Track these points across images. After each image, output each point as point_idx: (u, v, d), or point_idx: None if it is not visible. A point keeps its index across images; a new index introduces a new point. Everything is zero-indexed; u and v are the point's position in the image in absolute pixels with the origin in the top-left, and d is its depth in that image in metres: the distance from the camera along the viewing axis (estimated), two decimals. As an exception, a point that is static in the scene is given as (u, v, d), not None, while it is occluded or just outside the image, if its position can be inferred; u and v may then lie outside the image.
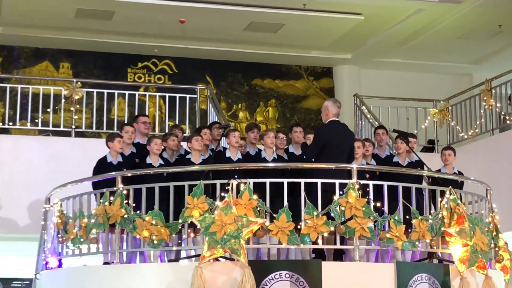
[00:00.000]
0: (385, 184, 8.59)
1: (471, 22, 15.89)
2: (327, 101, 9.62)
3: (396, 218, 8.36)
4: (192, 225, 8.44)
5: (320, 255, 8.73)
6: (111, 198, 8.65)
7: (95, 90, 14.32)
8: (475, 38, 16.85)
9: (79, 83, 13.76)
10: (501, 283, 9.24)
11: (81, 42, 16.82)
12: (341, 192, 8.31)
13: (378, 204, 8.45)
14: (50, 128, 13.72)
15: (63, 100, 13.67)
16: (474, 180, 9.71)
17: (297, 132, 10.34)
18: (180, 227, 8.41)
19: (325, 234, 8.25)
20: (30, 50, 17.14)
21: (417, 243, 8.45)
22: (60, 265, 9.57)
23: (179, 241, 8.71)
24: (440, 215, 8.60)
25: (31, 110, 13.68)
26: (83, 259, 9.32)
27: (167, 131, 12.46)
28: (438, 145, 14.96)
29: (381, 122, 14.14)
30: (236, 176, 8.30)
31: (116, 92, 14.40)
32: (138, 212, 8.53)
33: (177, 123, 14.09)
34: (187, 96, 14.45)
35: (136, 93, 14.80)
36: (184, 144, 10.35)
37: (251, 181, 8.25)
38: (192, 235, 8.66)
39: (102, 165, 9.72)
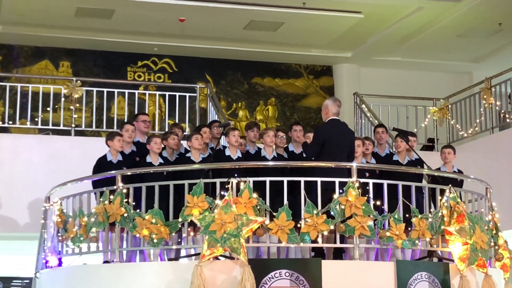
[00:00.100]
0: (385, 182, 8.59)
1: (471, 21, 15.89)
2: (327, 99, 9.63)
3: (396, 216, 8.36)
4: (192, 224, 8.44)
5: (320, 253, 8.73)
6: (111, 196, 8.65)
7: (94, 89, 14.32)
8: (475, 36, 16.85)
9: (78, 81, 13.76)
10: (501, 281, 9.24)
11: (81, 40, 16.82)
12: (341, 191, 8.31)
13: (378, 203, 8.45)
14: (50, 127, 13.71)
15: (62, 99, 13.66)
16: (474, 179, 9.70)
17: (296, 131, 10.34)
18: (180, 226, 8.41)
19: (325, 233, 8.25)
20: (30, 49, 17.15)
21: (417, 241, 8.45)
22: (60, 264, 9.57)
23: (179, 240, 8.71)
24: (440, 214, 8.60)
25: (30, 109, 13.68)
26: (83, 258, 9.31)
27: (167, 129, 12.46)
28: (438, 143, 14.97)
29: (381, 121, 14.14)
30: (236, 175, 8.30)
31: (116, 90, 14.38)
32: (138, 210, 8.53)
33: (177, 121, 14.08)
34: (187, 94, 14.44)
35: (136, 91, 14.79)
36: (184, 143, 10.35)
37: (251, 179, 8.25)
38: (192, 233, 8.66)
39: (102, 164, 9.72)
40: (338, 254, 8.88)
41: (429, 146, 15.29)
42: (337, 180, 8.38)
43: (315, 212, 8.18)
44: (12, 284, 20.07)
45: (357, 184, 8.29)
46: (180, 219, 8.29)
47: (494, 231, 9.24)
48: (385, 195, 8.52)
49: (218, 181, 8.36)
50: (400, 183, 8.65)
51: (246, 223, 7.93)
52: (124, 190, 8.62)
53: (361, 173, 8.73)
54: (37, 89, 14.01)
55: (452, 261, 8.53)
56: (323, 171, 8.73)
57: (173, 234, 8.49)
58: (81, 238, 9.03)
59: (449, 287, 8.36)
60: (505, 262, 9.33)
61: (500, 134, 13.91)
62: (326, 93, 18.30)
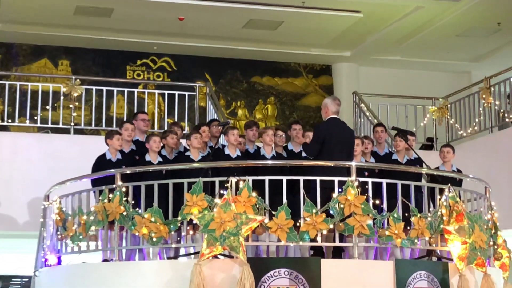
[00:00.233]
0: (384, 181, 8.59)
1: (470, 20, 15.90)
2: (326, 98, 9.63)
3: (395, 215, 8.37)
4: (191, 223, 8.44)
5: (319, 252, 8.74)
6: (110, 195, 8.65)
7: (94, 87, 14.32)
8: (474, 36, 16.86)
9: (78, 80, 13.76)
10: (500, 280, 9.25)
11: (80, 39, 16.82)
12: (340, 190, 8.31)
13: (377, 202, 8.45)
14: (49, 125, 13.70)
15: (62, 97, 13.66)
16: (473, 178, 9.71)
17: (296, 130, 10.34)
18: (179, 225, 8.42)
19: (324, 232, 8.25)
20: (29, 47, 17.14)
21: (416, 240, 8.46)
22: (59, 262, 9.56)
23: (178, 239, 8.71)
24: (439, 213, 8.60)
25: (30, 107, 13.67)
26: (82, 256, 9.31)
27: (166, 128, 12.45)
28: (437, 143, 14.98)
29: (380, 120, 14.15)
30: (235, 174, 8.30)
31: (115, 89, 14.38)
32: (137, 209, 8.53)
33: (176, 120, 14.08)
34: (186, 93, 14.45)
35: (135, 90, 14.80)
36: (183, 142, 10.35)
37: (250, 178, 8.25)
38: (191, 232, 8.67)
39: (101, 162, 9.72)
40: (337, 253, 8.89)
41: (428, 145, 15.30)
42: (336, 179, 8.39)
43: (314, 211, 8.18)
44: (11, 282, 20.07)
45: (356, 183, 8.30)
46: (179, 218, 8.29)
47: (493, 230, 9.24)
48: (384, 194, 8.52)
49: (217, 180, 8.36)
50: (399, 182, 8.65)
51: (245, 222, 7.93)
52: (123, 189, 8.63)
53: (360, 172, 8.74)
54: (36, 88, 14.01)
55: (451, 260, 8.54)
56: (322, 170, 8.73)
57: (172, 232, 8.49)
58: (80, 237, 9.03)
59: (448, 286, 8.37)
60: (504, 261, 9.34)
61: (499, 133, 13.93)
62: (325, 92, 18.30)
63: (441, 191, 8.76)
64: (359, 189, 8.29)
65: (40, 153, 12.76)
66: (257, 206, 8.12)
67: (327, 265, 8.05)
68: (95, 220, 8.78)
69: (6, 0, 15.02)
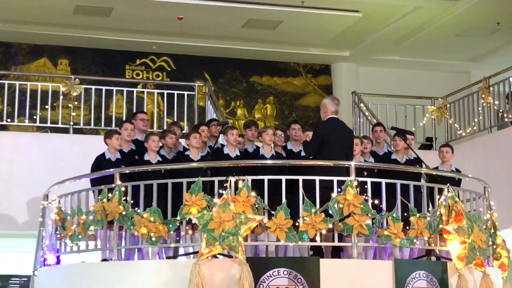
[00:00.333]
0: (383, 181, 8.59)
1: (469, 20, 15.90)
2: (325, 98, 9.63)
3: (394, 215, 8.37)
4: (190, 222, 8.44)
5: (318, 252, 8.74)
6: (109, 195, 8.65)
7: (93, 87, 14.32)
8: (473, 35, 16.86)
9: (77, 79, 13.76)
10: (499, 280, 9.25)
11: (79, 38, 16.82)
12: (339, 189, 8.31)
13: (376, 202, 8.46)
14: (48, 124, 13.71)
15: (61, 97, 13.66)
16: (472, 178, 9.71)
17: (295, 129, 10.34)
18: (178, 224, 8.42)
19: (323, 231, 8.25)
20: (28, 47, 17.14)
21: (415, 240, 8.46)
22: (58, 262, 9.56)
23: (177, 238, 8.72)
24: (438, 213, 8.60)
25: (29, 106, 13.67)
26: (81, 256, 9.32)
27: (165, 128, 12.45)
28: (436, 142, 14.98)
29: (379, 120, 14.15)
30: (234, 173, 8.30)
31: (114, 89, 14.38)
32: (136, 209, 8.53)
33: (175, 120, 14.06)
34: (185, 93, 14.45)
35: (134, 90, 14.80)
36: (182, 141, 10.34)
37: (249, 178, 8.25)
38: (190, 232, 8.67)
39: (100, 162, 9.72)
40: (336, 252, 8.89)
41: (428, 145, 15.30)
42: (335, 178, 8.39)
43: (313, 210, 8.18)
44: (10, 282, 20.05)
45: (355, 183, 8.30)
46: (178, 218, 8.30)
47: (492, 230, 9.25)
48: (383, 194, 8.53)
49: (216, 179, 8.36)
50: (399, 182, 8.66)
51: (244, 222, 7.93)
52: (123, 188, 8.63)
53: (359, 171, 8.74)
54: (35, 87, 14.00)
55: (450, 260, 8.54)
56: (321, 169, 8.73)
57: (172, 232, 8.50)
58: (79, 236, 9.03)
59: (447, 286, 8.37)
60: (503, 261, 9.35)
61: (498, 133, 13.93)
62: (324, 92, 18.30)
63: (440, 191, 8.76)
64: (358, 189, 8.29)
65: (39, 153, 12.76)
66: (256, 205, 8.12)
67: (326, 264, 8.05)
68: (94, 219, 8.78)
69: (6, 0, 15.03)
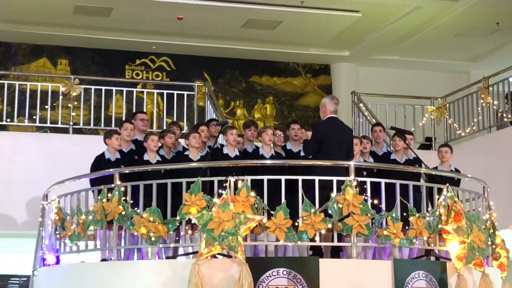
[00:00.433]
0: (383, 181, 8.59)
1: (468, 20, 15.90)
2: (324, 98, 9.62)
3: (394, 215, 8.38)
4: (189, 222, 8.44)
5: (317, 252, 8.74)
6: (109, 195, 8.65)
7: (93, 87, 14.33)
8: (472, 35, 16.86)
9: (77, 79, 13.76)
10: (498, 280, 9.26)
11: (79, 38, 16.82)
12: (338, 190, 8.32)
13: (376, 201, 8.46)
14: (48, 124, 13.71)
15: (61, 97, 13.66)
16: (472, 178, 9.72)
17: (294, 129, 10.34)
18: (177, 224, 8.42)
19: (323, 231, 8.26)
20: (28, 47, 17.14)
21: (414, 240, 8.46)
22: (57, 262, 9.56)
23: (177, 238, 8.72)
24: (437, 213, 8.60)
25: (28, 106, 13.67)
26: (81, 255, 9.32)
27: (165, 128, 12.45)
28: (436, 142, 14.98)
29: (378, 120, 14.16)
30: (233, 173, 8.31)
31: (114, 89, 14.38)
32: (136, 209, 8.54)
33: (175, 120, 14.06)
34: (185, 93, 14.45)
35: (134, 90, 14.80)
36: (182, 141, 10.35)
37: (249, 178, 8.26)
38: (189, 232, 8.68)
39: (100, 162, 9.72)
40: (336, 252, 8.89)
41: (427, 145, 15.30)
42: (334, 178, 8.39)
43: (312, 210, 8.19)
44: (9, 282, 20.04)
45: (354, 183, 8.30)
46: (178, 218, 8.30)
47: (492, 230, 9.25)
48: (383, 194, 8.53)
49: (216, 179, 8.36)
50: (398, 182, 8.66)
51: (244, 222, 7.93)
52: (122, 188, 8.63)
53: (358, 171, 8.74)
54: (35, 87, 14.01)
55: (450, 260, 8.55)
56: (321, 169, 8.74)
57: (171, 232, 8.50)
58: (79, 236, 9.03)
59: (447, 286, 8.37)
60: (502, 261, 9.35)
61: (498, 133, 13.93)
62: (324, 92, 18.30)
63: (440, 191, 8.76)
64: (357, 189, 8.29)
65: (39, 153, 12.76)
66: (256, 205, 8.13)
67: (326, 264, 8.06)
68: (94, 219, 8.78)
69: (5, 0, 15.02)
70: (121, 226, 8.67)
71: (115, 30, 16.56)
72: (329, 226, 8.22)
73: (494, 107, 13.90)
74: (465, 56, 18.19)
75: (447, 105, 15.12)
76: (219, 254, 8.03)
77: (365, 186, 8.45)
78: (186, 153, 9.75)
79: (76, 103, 13.67)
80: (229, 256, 8.01)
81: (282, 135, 10.26)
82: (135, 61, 17.73)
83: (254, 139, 10.26)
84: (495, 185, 10.96)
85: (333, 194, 8.28)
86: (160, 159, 9.70)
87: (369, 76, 18.25)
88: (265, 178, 8.36)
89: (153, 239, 8.35)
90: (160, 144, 9.83)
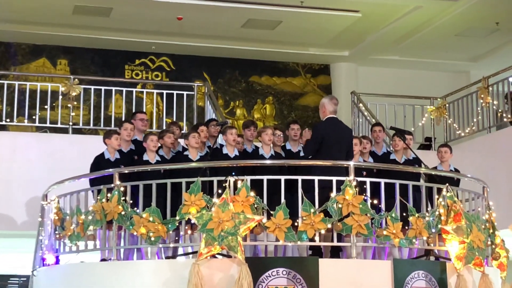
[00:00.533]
0: (382, 181, 8.59)
1: (468, 20, 15.90)
2: (323, 98, 9.62)
3: (393, 215, 8.38)
4: (189, 222, 8.44)
5: (317, 252, 8.74)
6: (109, 195, 8.65)
7: (92, 87, 14.33)
8: (472, 35, 16.87)
9: (76, 79, 13.75)
10: (498, 280, 9.26)
11: (78, 38, 16.82)
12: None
13: (375, 201, 8.46)
14: (48, 124, 13.70)
15: (60, 97, 13.66)
16: (471, 178, 9.72)
17: (294, 130, 10.34)
18: (177, 224, 8.42)
19: (322, 231, 8.25)
20: (28, 47, 17.14)
21: (414, 240, 8.46)
22: (57, 262, 9.56)
23: (176, 238, 8.71)
24: (437, 213, 8.60)
25: (28, 106, 13.69)
26: (80, 255, 9.31)
27: (164, 128, 12.44)
28: (435, 142, 14.98)
29: (378, 120, 14.15)
30: (233, 173, 8.31)
31: (114, 89, 14.38)
32: (136, 209, 8.54)
33: (174, 120, 14.06)
34: (185, 93, 14.45)
35: (134, 90, 14.79)
36: (182, 141, 10.35)
37: (248, 178, 8.26)
38: (189, 232, 8.67)
39: (99, 162, 9.72)
40: (335, 252, 8.89)
41: (427, 145, 15.30)
42: (334, 178, 8.39)
43: (312, 210, 8.19)
44: (9, 282, 20.04)
45: (354, 183, 8.30)
46: (177, 217, 8.30)
47: (491, 230, 9.25)
48: (382, 194, 8.53)
49: (215, 179, 8.36)
50: (397, 182, 8.66)
51: (243, 222, 7.93)
52: (122, 188, 8.63)
53: (358, 171, 8.73)
54: (34, 87, 14.00)
55: (449, 260, 8.55)
56: (320, 169, 8.73)
57: (171, 232, 8.50)
58: (79, 236, 9.03)
59: (446, 286, 8.38)
60: (502, 261, 9.35)
61: (497, 133, 13.93)
62: (323, 92, 18.30)
63: (439, 191, 8.76)
64: (357, 189, 8.29)
65: (39, 153, 12.76)
66: (255, 205, 8.12)
67: (325, 264, 8.05)
68: (93, 219, 8.78)
69: (5, 0, 15.01)
70: (121, 226, 8.67)
71: (114, 30, 16.56)
72: (329, 226, 8.22)
73: (494, 107, 13.90)
74: (464, 56, 18.19)
75: (447, 105, 15.12)
76: (218, 254, 8.03)
77: (364, 186, 8.45)
78: (185, 153, 9.75)
79: (75, 103, 13.67)
80: (228, 256, 8.01)
81: (281, 135, 10.26)
82: (134, 61, 17.73)
83: (254, 139, 10.26)
84: (494, 185, 10.95)
85: (333, 194, 8.28)
86: (159, 159, 9.70)
87: (369, 76, 18.25)
88: (265, 178, 8.36)
89: (152, 239, 8.35)
90: (159, 144, 9.82)
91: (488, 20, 15.91)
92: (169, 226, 8.38)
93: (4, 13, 15.60)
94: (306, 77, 18.72)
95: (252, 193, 8.12)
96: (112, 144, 9.78)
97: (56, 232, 9.48)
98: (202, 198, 8.19)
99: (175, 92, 14.44)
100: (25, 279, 17.99)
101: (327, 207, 8.26)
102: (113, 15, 15.81)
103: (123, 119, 13.14)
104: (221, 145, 10.07)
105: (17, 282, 19.73)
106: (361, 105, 15.30)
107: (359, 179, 8.46)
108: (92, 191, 9.13)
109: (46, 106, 13.64)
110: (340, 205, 8.23)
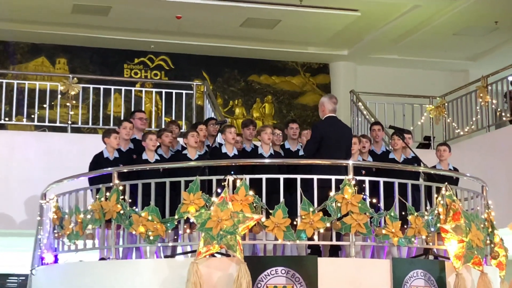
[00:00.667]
0: (381, 180, 8.59)
1: (467, 19, 15.90)
2: (323, 97, 9.62)
3: (392, 214, 8.37)
4: (188, 221, 8.44)
5: (316, 251, 8.74)
6: (107, 193, 8.64)
7: (91, 86, 14.33)
8: (471, 34, 16.87)
9: (75, 78, 13.74)
10: (497, 279, 9.26)
11: (77, 37, 16.81)
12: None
13: (374, 200, 8.46)
14: (46, 123, 13.70)
15: (59, 96, 13.65)
16: (470, 177, 9.71)
17: (293, 129, 10.35)
18: (176, 223, 8.42)
19: (321, 230, 8.25)
20: (26, 46, 17.12)
21: (413, 239, 8.46)
22: (56, 261, 9.56)
23: (175, 237, 8.71)
24: (436, 212, 8.60)
25: (27, 105, 13.67)
26: (79, 254, 9.31)
27: (163, 127, 12.44)
28: (434, 141, 14.98)
29: (377, 119, 14.14)
30: (232, 172, 8.30)
31: (113, 87, 14.38)
32: (134, 208, 8.53)
33: (173, 119, 14.06)
34: (184, 92, 14.44)
35: (133, 89, 14.79)
36: (180, 140, 10.34)
37: (247, 177, 8.25)
38: (188, 231, 8.68)
39: (98, 161, 9.71)
40: (334, 251, 8.88)
41: (426, 144, 15.31)
42: (333, 177, 8.39)
43: (311, 209, 8.18)
44: (7, 281, 20.04)
45: (353, 182, 8.30)
46: (176, 216, 8.29)
47: (490, 229, 9.25)
48: (381, 193, 8.53)
49: (214, 178, 8.36)
50: (397, 181, 8.66)
51: (242, 221, 7.93)
52: (121, 187, 8.62)
53: (357, 170, 8.73)
54: (33, 86, 13.98)
55: (448, 259, 8.54)
56: (319, 168, 8.73)
57: (169, 231, 8.49)
58: (77, 235, 9.03)
59: (445, 285, 8.38)
60: (500, 260, 9.35)
61: (496, 132, 13.94)
62: (322, 91, 18.30)
63: (438, 190, 8.76)
64: (356, 188, 8.29)
65: (37, 152, 12.76)
66: (254, 204, 8.12)
67: (324, 263, 8.05)
68: (92, 218, 8.78)
69: (3, -1, 15.05)
70: (120, 225, 8.66)
71: (113, 29, 16.55)
72: (328, 225, 8.22)
73: (493, 106, 13.90)
74: (463, 55, 18.19)
75: (446, 104, 15.11)
76: (217, 253, 8.03)
77: (363, 185, 8.44)
78: (184, 152, 9.75)
79: (74, 102, 13.66)
80: (227, 255, 8.01)
81: (281, 134, 10.26)
82: (133, 60, 17.72)
83: (253, 138, 10.25)
84: (493, 184, 10.96)
85: (332, 193, 8.28)
86: (158, 158, 9.70)
87: (368, 75, 18.25)
88: (264, 177, 8.36)
89: (151, 238, 8.35)
90: (158, 143, 9.82)
91: (487, 19, 15.91)
92: (168, 225, 8.38)
93: (3, 12, 15.59)
94: (305, 76, 18.72)
95: (251, 192, 8.11)
96: (111, 143, 9.78)
97: (55, 231, 9.48)
98: (201, 197, 8.18)
99: (174, 91, 14.43)
100: (23, 278, 17.98)
101: (326, 206, 8.25)
102: (112, 14, 15.81)
103: (122, 118, 13.13)
104: (220, 144, 10.07)
105: (16, 281, 19.73)
106: (360, 104, 15.30)
107: (358, 178, 8.46)
108: (91, 190, 9.12)
109: (45, 105, 13.64)
110: (339, 204, 8.23)
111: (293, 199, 8.37)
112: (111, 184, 8.68)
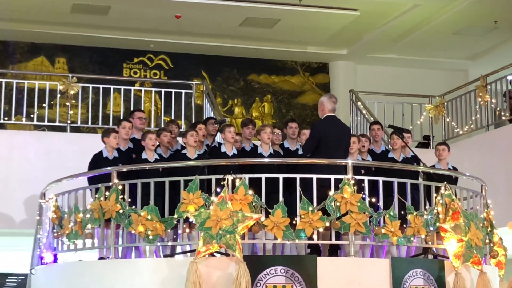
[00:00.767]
0: (380, 179, 8.59)
1: (466, 18, 15.90)
2: (322, 96, 9.63)
3: (391, 213, 8.38)
4: (187, 220, 8.44)
5: (315, 250, 8.75)
6: (107, 193, 8.64)
7: (90, 85, 14.32)
8: (470, 34, 16.86)
9: (74, 78, 13.74)
10: (496, 278, 9.26)
11: (76, 37, 16.80)
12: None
13: (373, 200, 8.46)
14: (46, 123, 13.70)
15: (58, 95, 13.66)
16: (469, 176, 9.72)
17: (292, 128, 10.35)
18: (175, 222, 8.42)
19: (321, 230, 8.26)
20: (26, 45, 17.12)
21: (412, 238, 8.46)
22: (55, 260, 9.56)
23: (175, 236, 8.72)
24: (435, 211, 8.60)
25: (26, 105, 13.67)
26: (79, 254, 9.31)
27: (163, 126, 12.44)
28: (434, 141, 14.98)
29: (376, 118, 14.14)
30: (231, 172, 8.30)
31: (112, 87, 14.38)
32: (134, 207, 8.53)
33: (172, 118, 14.06)
34: (183, 91, 14.44)
35: (132, 88, 14.79)
36: (180, 140, 10.35)
37: (247, 176, 8.25)
38: (187, 230, 8.67)
39: (97, 160, 9.71)
40: (334, 251, 8.89)
41: (425, 143, 15.31)
42: (332, 177, 8.39)
43: (310, 209, 8.18)
44: (7, 280, 20.05)
45: (352, 181, 8.30)
46: (175, 216, 8.29)
47: (489, 228, 9.26)
48: (381, 192, 8.53)
49: (213, 177, 8.36)
50: (396, 180, 8.66)
51: (241, 220, 7.93)
52: (120, 187, 8.62)
53: (356, 170, 8.73)
54: (32, 86, 13.99)
55: (447, 258, 8.55)
56: (319, 168, 8.73)
57: (169, 230, 8.50)
58: (77, 235, 9.02)
59: (444, 284, 8.38)
60: (500, 259, 9.36)
61: (496, 131, 13.94)
62: (322, 90, 18.30)
63: (437, 189, 8.76)
64: (355, 187, 8.29)
65: (37, 151, 12.76)
66: (254, 204, 8.12)
67: (323, 263, 8.05)
68: (92, 218, 8.78)
69: (3, -2, 15.04)
70: (119, 224, 8.66)
71: (112, 28, 16.55)
72: (327, 224, 8.22)
73: (492, 105, 13.91)
74: (463, 54, 18.19)
75: (445, 103, 15.12)
76: (217, 252, 8.03)
77: (363, 184, 8.45)
78: (183, 151, 9.75)
79: (74, 101, 13.66)
80: (227, 255, 8.01)
81: (280, 133, 10.26)
82: (133, 59, 17.72)
83: (252, 138, 10.25)
84: (492, 183, 10.96)
85: (331, 192, 8.28)
86: (158, 158, 9.70)
87: (367, 75, 18.25)
88: (263, 176, 8.36)
89: (150, 237, 8.35)
90: (157, 143, 9.82)
91: (486, 18, 15.91)
92: (167, 224, 8.38)
93: (3, 12, 15.59)
94: (305, 76, 18.72)
95: (250, 192, 8.11)
96: (110, 143, 9.78)
97: (54, 230, 9.48)
98: (200, 196, 8.18)
99: (173, 91, 14.43)
100: (23, 277, 18.00)
101: (325, 205, 8.25)
102: (111, 13, 15.80)
103: (121, 117, 13.13)
104: (220, 144, 10.07)
105: (15, 280, 19.74)
106: (359, 103, 15.30)
107: (357, 177, 8.46)
108: (90, 190, 9.12)
109: (44, 105, 13.64)
110: (338, 203, 8.23)
111: (293, 198, 8.37)
112: (111, 183, 8.68)
